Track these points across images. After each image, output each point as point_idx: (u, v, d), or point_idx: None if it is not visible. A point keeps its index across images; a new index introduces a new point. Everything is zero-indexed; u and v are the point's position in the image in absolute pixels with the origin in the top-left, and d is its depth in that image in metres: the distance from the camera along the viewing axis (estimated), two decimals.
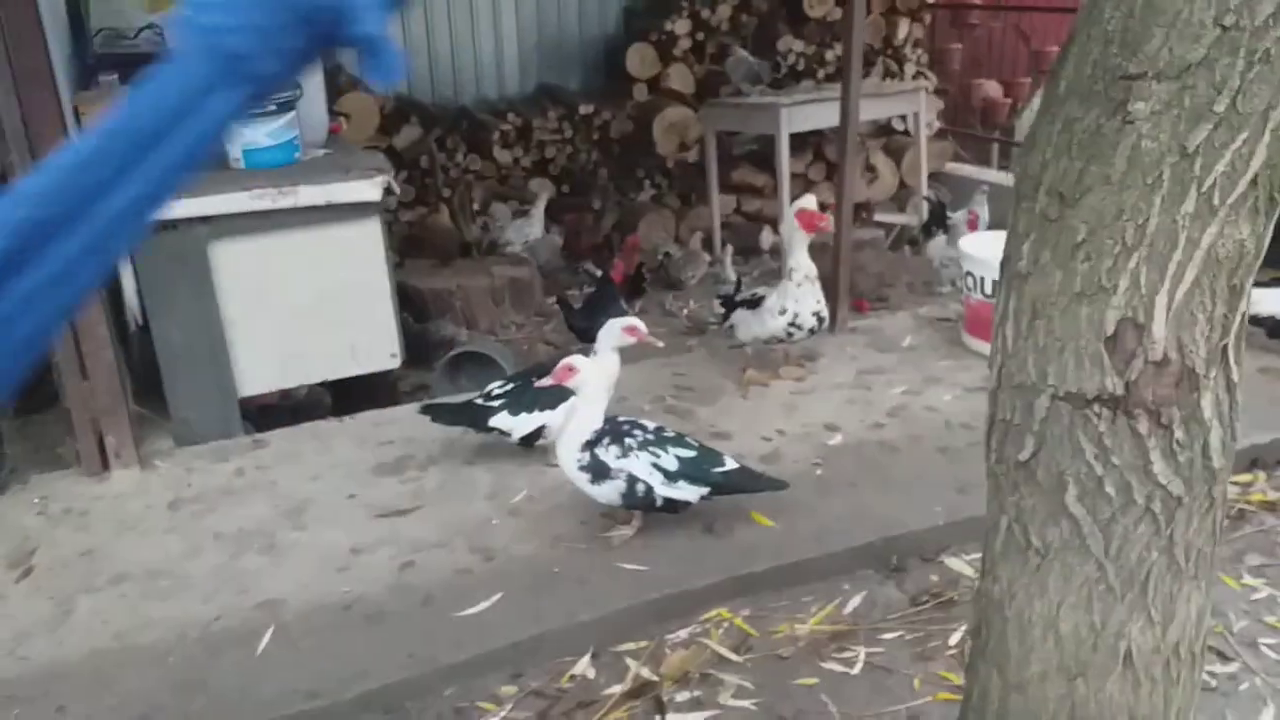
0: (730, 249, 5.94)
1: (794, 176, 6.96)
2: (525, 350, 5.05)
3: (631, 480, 2.74)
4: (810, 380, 4.00)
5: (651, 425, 2.87)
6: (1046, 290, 1.37)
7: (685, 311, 5.66)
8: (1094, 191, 1.29)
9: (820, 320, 3.74)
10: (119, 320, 3.81)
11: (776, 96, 5.95)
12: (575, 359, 2.80)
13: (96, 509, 3.17)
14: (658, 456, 2.76)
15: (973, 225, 5.41)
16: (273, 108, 3.62)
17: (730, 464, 2.84)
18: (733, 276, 5.06)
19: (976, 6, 8.19)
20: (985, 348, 3.86)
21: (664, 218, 6.81)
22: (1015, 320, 1.43)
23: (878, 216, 6.59)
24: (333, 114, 4.57)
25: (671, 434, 2.87)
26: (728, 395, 3.90)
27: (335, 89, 6.20)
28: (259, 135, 3.63)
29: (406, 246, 6.27)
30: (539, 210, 6.17)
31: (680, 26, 7.17)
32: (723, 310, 4.21)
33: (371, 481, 3.30)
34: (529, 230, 6.11)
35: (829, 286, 4.42)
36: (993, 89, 8.29)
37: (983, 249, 4.10)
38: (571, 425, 2.81)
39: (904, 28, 7.44)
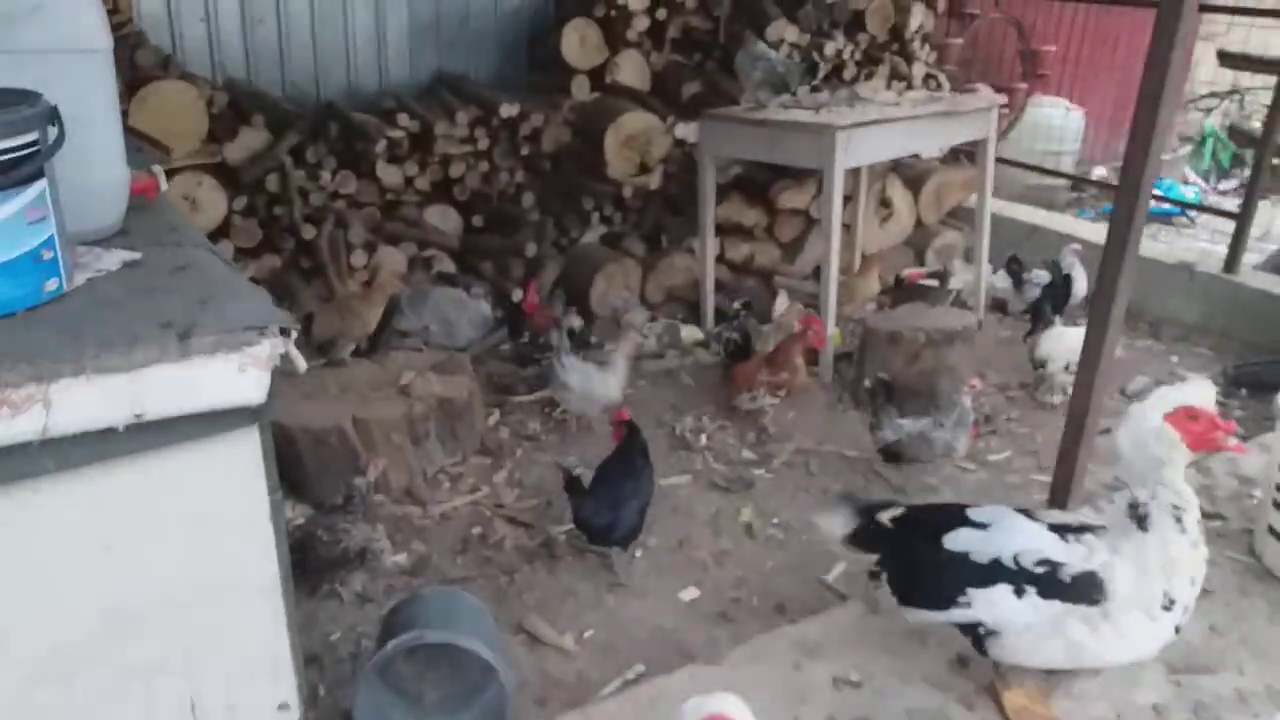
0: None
1: (793, 213, 5.21)
2: (477, 540, 3.00)
3: None
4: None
5: None
6: None
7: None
8: None
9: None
10: None
11: (818, 112, 4.10)
12: None
13: None
14: None
15: None
16: None
17: None
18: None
19: None
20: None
21: (626, 269, 4.86)
22: None
23: (910, 273, 4.92)
24: (140, 162, 2.32)
25: None
26: None
27: (129, 85, 3.90)
28: None
29: None
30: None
31: (635, 0, 5.19)
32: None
33: None
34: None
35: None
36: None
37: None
38: None
39: (917, 17, 5.76)
